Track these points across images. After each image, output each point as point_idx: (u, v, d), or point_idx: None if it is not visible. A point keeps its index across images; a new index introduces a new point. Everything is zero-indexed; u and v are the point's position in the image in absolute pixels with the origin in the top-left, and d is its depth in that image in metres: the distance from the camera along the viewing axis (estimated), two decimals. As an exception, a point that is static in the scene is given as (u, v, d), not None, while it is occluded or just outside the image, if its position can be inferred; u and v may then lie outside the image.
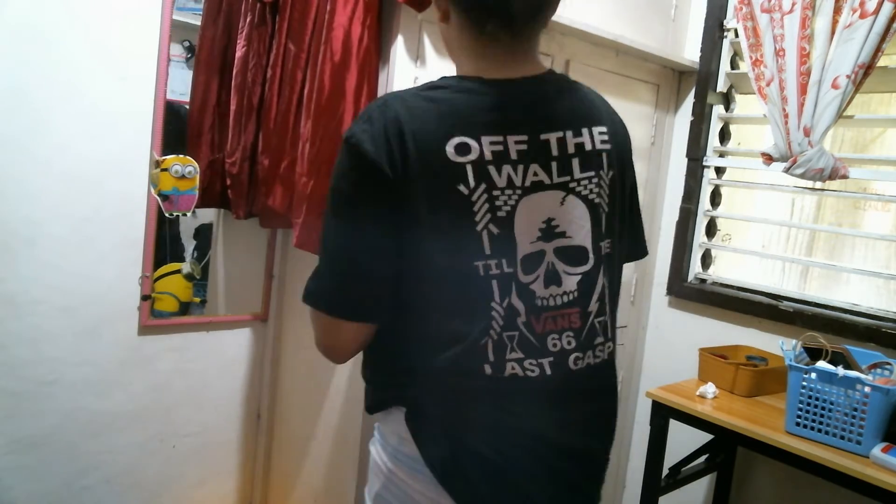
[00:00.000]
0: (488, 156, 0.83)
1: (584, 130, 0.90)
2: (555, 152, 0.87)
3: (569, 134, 0.88)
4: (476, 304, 0.84)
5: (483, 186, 0.83)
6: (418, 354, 0.88)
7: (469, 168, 0.82)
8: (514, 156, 0.85)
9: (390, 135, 0.82)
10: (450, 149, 0.82)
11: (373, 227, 0.83)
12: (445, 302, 0.86)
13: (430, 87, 0.88)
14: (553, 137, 0.87)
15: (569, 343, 0.89)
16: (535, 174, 0.86)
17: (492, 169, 0.83)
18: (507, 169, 0.84)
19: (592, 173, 0.90)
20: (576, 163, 0.88)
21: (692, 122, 2.17)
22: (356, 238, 0.84)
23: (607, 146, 0.92)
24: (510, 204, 0.84)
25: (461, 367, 0.85)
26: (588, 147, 0.89)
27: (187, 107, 1.77)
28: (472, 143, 0.83)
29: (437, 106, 0.84)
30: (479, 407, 0.87)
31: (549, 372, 0.87)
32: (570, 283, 0.89)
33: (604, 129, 0.92)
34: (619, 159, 0.94)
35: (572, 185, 0.88)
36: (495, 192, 0.83)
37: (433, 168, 0.82)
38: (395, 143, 0.81)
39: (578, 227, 0.89)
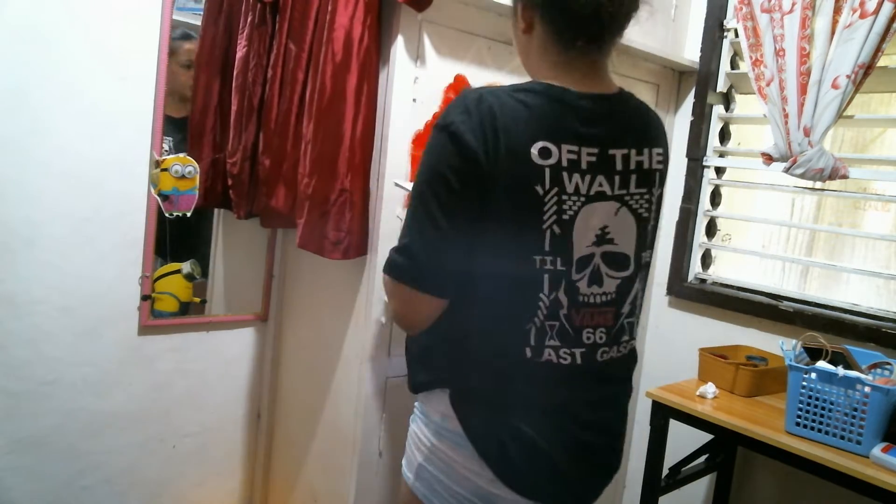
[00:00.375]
0: (564, 162, 0.92)
1: (646, 150, 1.00)
2: (619, 167, 0.97)
3: (633, 152, 0.98)
4: (526, 293, 0.94)
5: (555, 190, 0.91)
6: (468, 335, 0.97)
7: (547, 171, 0.91)
8: (584, 166, 0.93)
9: (486, 127, 0.89)
10: (534, 151, 0.90)
11: (462, 211, 0.91)
12: (500, 288, 0.95)
13: (520, 89, 0.94)
14: (619, 153, 0.96)
15: (600, 338, 1.00)
16: (600, 185, 0.95)
17: (565, 175, 0.92)
18: (576, 177, 0.93)
19: (645, 190, 1.00)
20: (634, 179, 0.98)
21: (692, 122, 2.17)
22: (448, 219, 0.91)
23: (660, 166, 1.03)
24: (573, 209, 0.93)
25: (505, 349, 0.96)
26: (646, 166, 1.00)
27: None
28: (553, 148, 0.91)
29: (527, 108, 0.91)
30: (517, 386, 0.97)
31: (578, 361, 0.98)
32: (611, 285, 1.00)
33: (660, 150, 1.03)
34: (664, 179, 1.05)
35: (626, 198, 0.98)
36: (564, 197, 0.92)
37: (517, 166, 0.89)
38: (490, 135, 0.88)
39: (626, 236, 1.00)
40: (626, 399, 1.11)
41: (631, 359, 1.09)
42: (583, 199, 0.94)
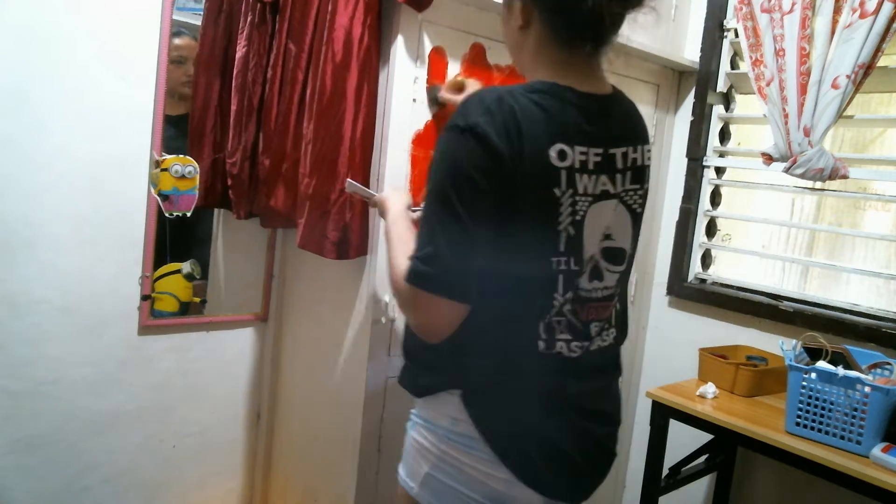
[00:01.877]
0: (577, 164, 0.92)
1: (639, 147, 1.01)
2: (619, 166, 0.98)
3: (630, 150, 0.99)
4: (542, 294, 0.95)
5: (570, 191, 0.92)
6: (483, 338, 0.96)
7: (563, 174, 0.91)
8: (591, 166, 0.94)
9: (510, 129, 0.88)
10: (553, 153, 0.90)
11: (487, 214, 0.89)
12: (518, 290, 0.95)
13: (533, 90, 0.92)
14: (619, 152, 0.98)
15: (600, 330, 1.03)
16: (604, 184, 0.96)
17: (577, 176, 0.93)
18: (585, 178, 0.94)
19: (638, 186, 1.02)
20: (629, 176, 1.00)
21: (692, 122, 2.17)
22: (472, 224, 0.89)
23: (649, 162, 1.05)
24: (584, 209, 0.94)
25: (517, 344, 0.96)
26: (639, 163, 1.01)
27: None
28: (568, 150, 0.91)
29: (543, 110, 0.90)
30: (529, 380, 0.97)
31: (584, 354, 1.00)
32: (611, 279, 1.02)
33: (649, 147, 1.05)
34: (650, 174, 1.08)
35: (623, 195, 1.00)
36: (577, 198, 0.93)
37: (538, 169, 0.90)
38: (514, 136, 0.88)
39: (623, 232, 1.02)
40: (618, 385, 1.14)
41: (616, 347, 1.10)
42: (590, 198, 0.95)
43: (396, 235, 1.08)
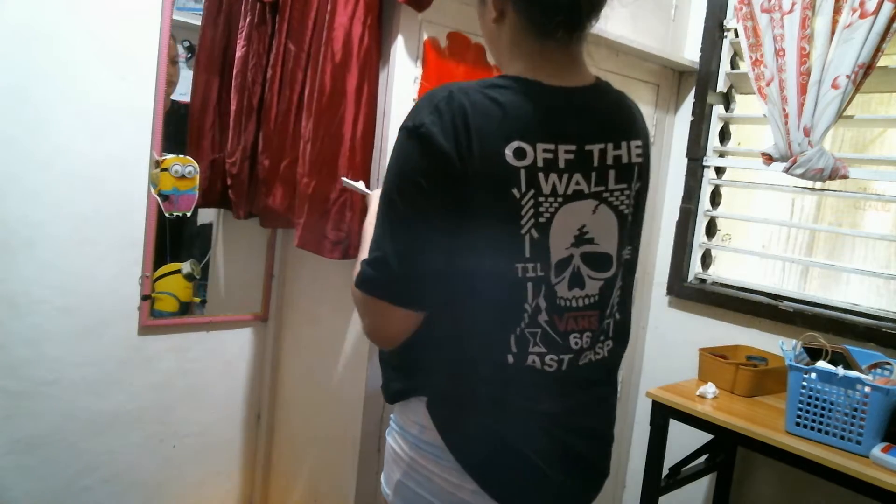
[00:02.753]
0: (540, 163, 0.86)
1: (623, 143, 0.93)
2: (595, 163, 0.90)
3: (610, 146, 0.92)
4: (510, 302, 0.89)
5: (532, 192, 0.86)
6: (448, 344, 0.91)
7: (523, 173, 0.85)
8: (561, 164, 0.88)
9: (458, 128, 0.83)
10: (509, 152, 0.84)
11: (436, 218, 0.85)
12: (481, 298, 0.89)
13: (491, 85, 0.88)
14: (596, 149, 0.90)
15: (586, 342, 0.95)
16: (577, 183, 0.89)
17: (541, 176, 0.86)
18: (553, 177, 0.87)
19: (625, 185, 0.94)
20: (612, 174, 0.92)
21: (692, 122, 2.17)
22: (421, 228, 0.86)
23: (640, 160, 0.96)
24: (550, 211, 0.88)
25: (486, 355, 0.90)
26: (624, 160, 0.93)
27: (188, 106, 1.77)
28: (528, 148, 0.85)
29: (499, 106, 0.85)
30: (498, 394, 0.91)
31: (564, 367, 0.93)
32: (593, 286, 0.94)
33: (639, 143, 0.96)
34: (645, 172, 0.99)
35: (605, 194, 0.92)
36: (540, 199, 0.87)
37: (491, 169, 0.84)
38: (462, 136, 0.83)
39: (607, 235, 0.94)
40: (614, 402, 1.06)
41: (612, 359, 1.02)
42: (560, 199, 0.88)
43: (367, 234, 1.04)
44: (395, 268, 0.86)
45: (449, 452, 0.92)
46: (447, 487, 0.94)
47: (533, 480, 0.93)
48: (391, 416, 1.06)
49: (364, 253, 0.97)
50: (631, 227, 0.99)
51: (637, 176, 0.96)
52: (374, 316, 0.91)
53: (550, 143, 0.87)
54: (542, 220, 0.88)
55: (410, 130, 0.85)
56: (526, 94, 0.87)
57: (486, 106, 0.85)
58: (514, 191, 0.85)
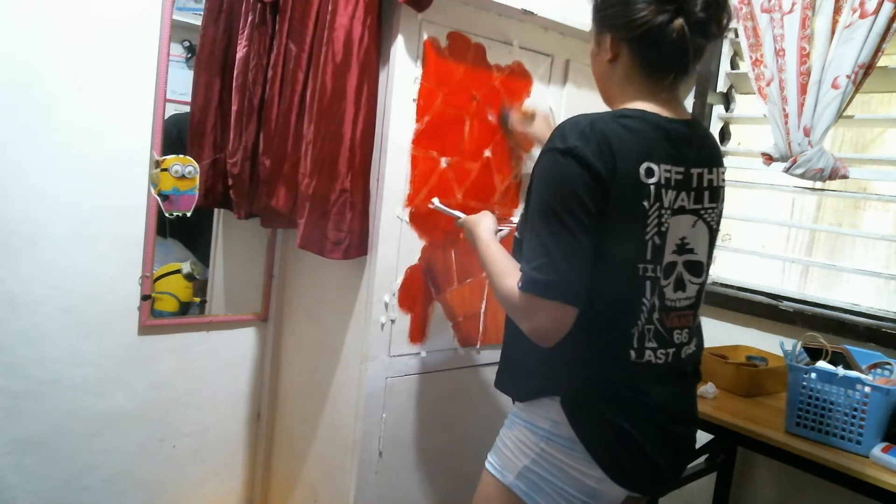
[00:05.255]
0: (662, 181, 1.03)
1: (714, 170, 1.12)
2: (695, 184, 1.08)
3: (706, 171, 1.10)
4: (633, 299, 1.05)
5: (657, 205, 1.03)
6: (581, 342, 1.05)
7: (652, 189, 1.02)
8: (673, 183, 1.05)
9: (603, 150, 0.99)
10: (641, 171, 1.01)
11: (591, 226, 1.00)
12: (610, 296, 1.04)
13: (621, 115, 1.04)
14: (696, 173, 1.08)
15: (685, 338, 1.13)
16: (682, 200, 1.07)
17: (663, 192, 1.03)
18: (671, 193, 1.05)
19: (715, 205, 1.13)
20: (706, 195, 1.11)
21: (692, 122, 2.17)
22: (580, 235, 0.99)
23: (723, 184, 1.15)
24: (667, 222, 1.05)
25: (613, 353, 1.06)
26: (715, 183, 1.12)
27: (188, 108, 1.77)
28: (655, 168, 1.02)
29: (631, 133, 1.02)
30: (622, 389, 1.07)
31: (670, 360, 1.10)
32: (692, 290, 1.13)
33: (723, 170, 1.15)
34: (724, 195, 1.17)
35: (702, 211, 1.11)
36: (662, 211, 1.04)
37: (628, 185, 1.00)
38: (608, 157, 0.99)
39: (701, 245, 1.13)
40: (695, 391, 1.24)
41: (699, 353, 1.20)
42: (670, 212, 1.05)
43: (495, 252, 1.19)
44: (565, 270, 0.99)
45: (581, 444, 1.07)
46: (575, 475, 1.09)
47: (646, 465, 1.09)
48: (513, 410, 1.19)
49: (502, 262, 1.14)
50: (715, 241, 1.17)
51: (721, 198, 1.15)
52: (538, 316, 1.02)
53: (668, 165, 1.04)
54: (662, 228, 1.05)
55: (563, 152, 0.99)
56: (650, 123, 1.04)
57: (622, 133, 1.01)
58: (645, 203, 1.02)
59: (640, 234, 1.03)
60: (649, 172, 1.02)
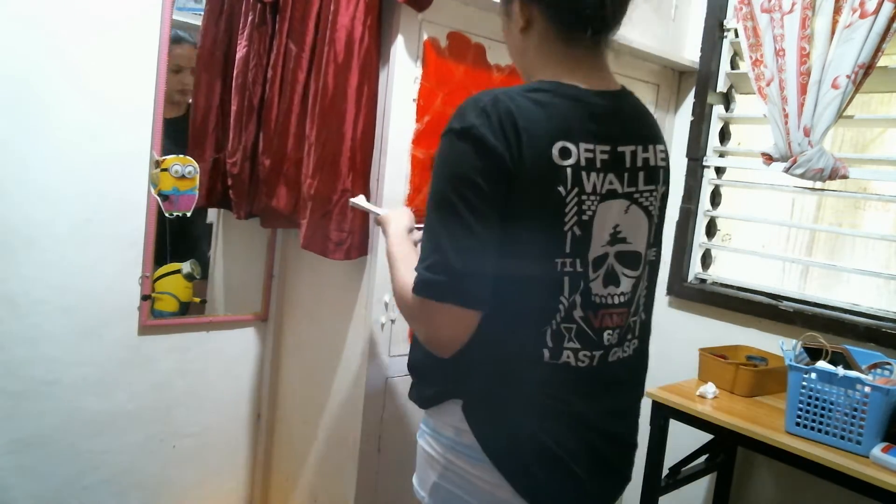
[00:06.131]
0: (582, 162, 0.89)
1: (650, 147, 0.98)
2: (627, 164, 0.95)
3: (639, 149, 0.96)
4: (547, 297, 0.91)
5: (576, 190, 0.89)
6: (486, 344, 0.92)
7: (569, 171, 0.88)
8: (598, 164, 0.91)
9: (507, 129, 0.85)
10: (555, 151, 0.87)
11: (492, 216, 0.87)
12: (519, 292, 0.91)
13: (532, 89, 0.91)
14: (628, 150, 0.95)
15: (616, 339, 0.98)
16: (611, 183, 0.93)
17: (583, 174, 0.90)
18: (593, 176, 0.91)
19: (652, 187, 0.99)
20: (641, 176, 0.96)
21: (692, 122, 2.17)
22: (479, 228, 0.86)
23: (664, 164, 1.01)
24: (592, 209, 0.91)
25: (522, 351, 0.93)
26: (652, 163, 0.98)
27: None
28: (573, 148, 0.89)
29: (543, 108, 0.88)
30: (533, 390, 0.93)
31: (595, 363, 0.96)
32: (627, 284, 0.98)
33: (662, 147, 1.01)
34: (667, 176, 1.04)
35: (636, 195, 0.96)
36: (583, 197, 0.90)
37: (539, 167, 0.87)
38: (511, 137, 0.86)
39: (637, 234, 0.98)
40: (638, 410, 1.08)
41: (638, 360, 1.06)
42: (597, 197, 0.91)
43: (398, 253, 1.06)
44: (459, 269, 0.86)
45: (484, 454, 0.94)
46: (485, 487, 0.95)
47: (563, 481, 0.95)
48: (422, 419, 1.07)
49: (403, 265, 1.00)
50: (656, 228, 1.02)
51: (662, 179, 1.01)
52: (436, 322, 0.90)
53: (590, 144, 0.90)
54: (584, 217, 0.91)
55: (460, 132, 0.87)
56: (565, 96, 0.91)
57: (531, 108, 0.87)
58: (560, 188, 0.88)
59: (557, 224, 0.89)
60: (565, 153, 0.88)
